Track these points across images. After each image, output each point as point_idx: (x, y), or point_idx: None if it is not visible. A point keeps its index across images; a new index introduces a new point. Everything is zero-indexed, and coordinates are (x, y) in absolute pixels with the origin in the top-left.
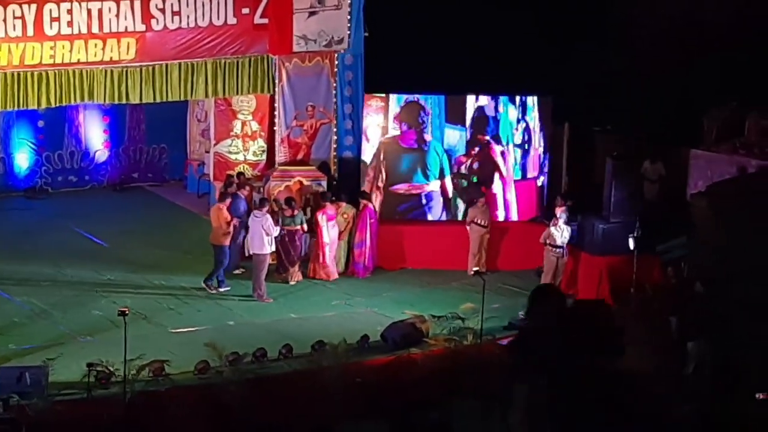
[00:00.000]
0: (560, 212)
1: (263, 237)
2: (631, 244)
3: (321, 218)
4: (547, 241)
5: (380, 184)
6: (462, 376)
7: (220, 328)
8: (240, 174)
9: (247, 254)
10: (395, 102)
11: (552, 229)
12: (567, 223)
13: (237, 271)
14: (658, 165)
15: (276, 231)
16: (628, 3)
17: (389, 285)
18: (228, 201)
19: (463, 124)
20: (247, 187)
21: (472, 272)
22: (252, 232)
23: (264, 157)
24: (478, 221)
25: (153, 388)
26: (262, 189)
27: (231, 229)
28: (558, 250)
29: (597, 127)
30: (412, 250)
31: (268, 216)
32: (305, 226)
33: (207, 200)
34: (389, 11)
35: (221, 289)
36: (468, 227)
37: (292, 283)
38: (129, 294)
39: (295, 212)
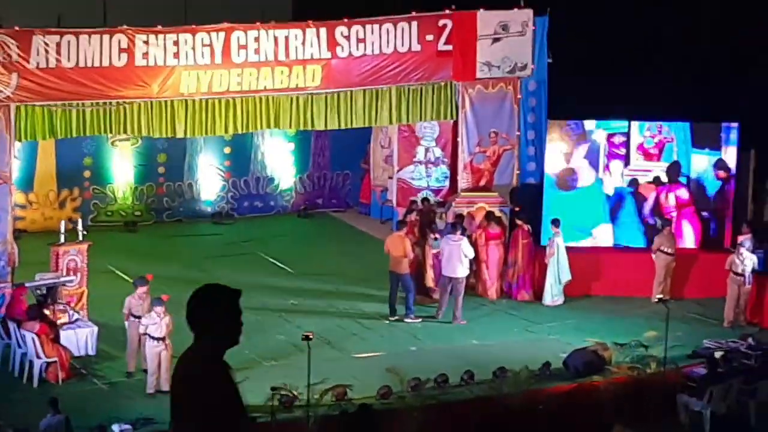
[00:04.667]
0: (743, 239)
1: (460, 260)
2: None
3: (479, 236)
4: (731, 269)
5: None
6: (645, 404)
7: (402, 354)
8: (424, 200)
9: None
10: (637, 131)
11: (735, 256)
12: (752, 250)
13: (436, 296)
14: None
15: (472, 253)
16: None
17: (572, 312)
18: (405, 229)
19: (715, 147)
20: (414, 212)
21: (656, 299)
22: (448, 255)
23: (447, 183)
24: (665, 249)
25: (336, 412)
26: (444, 215)
27: (412, 256)
28: (740, 278)
29: None
30: (595, 277)
31: (465, 239)
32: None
33: (390, 226)
34: (572, 37)
35: (413, 319)
36: (654, 255)
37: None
38: (313, 319)
39: (437, 236)
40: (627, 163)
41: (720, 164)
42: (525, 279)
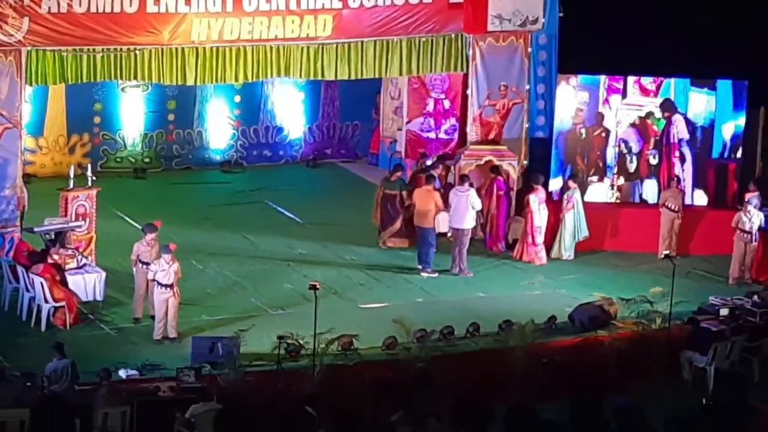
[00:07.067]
0: (750, 197)
1: (467, 212)
2: None
3: (533, 200)
4: (738, 226)
5: None
6: (649, 360)
7: (409, 305)
8: (440, 156)
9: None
10: None
11: (742, 213)
12: (759, 208)
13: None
14: None
15: (479, 205)
16: None
17: (578, 266)
18: (434, 183)
19: (712, 87)
20: (440, 166)
21: (663, 256)
22: (455, 207)
23: (456, 135)
24: (669, 205)
25: (341, 362)
26: (453, 167)
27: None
28: (747, 235)
29: None
30: (603, 232)
31: (473, 191)
32: (405, 193)
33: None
34: None
35: (434, 274)
36: (660, 210)
37: (388, 245)
38: (320, 269)
39: (393, 178)
40: (624, 96)
41: (665, 105)
42: (498, 231)
